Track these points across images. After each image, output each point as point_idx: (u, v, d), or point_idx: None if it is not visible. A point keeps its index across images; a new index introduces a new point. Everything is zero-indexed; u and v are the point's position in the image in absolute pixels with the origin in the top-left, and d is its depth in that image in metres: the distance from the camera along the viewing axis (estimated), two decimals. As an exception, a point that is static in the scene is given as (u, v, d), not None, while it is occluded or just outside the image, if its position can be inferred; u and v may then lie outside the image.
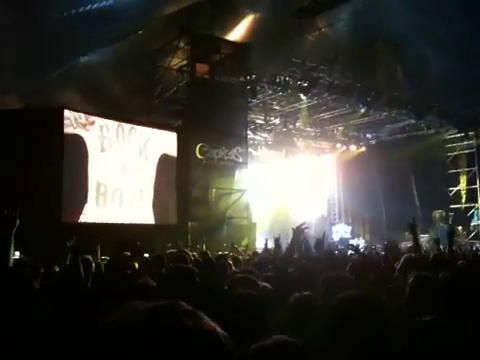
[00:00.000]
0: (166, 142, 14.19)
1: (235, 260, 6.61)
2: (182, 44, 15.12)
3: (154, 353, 0.77)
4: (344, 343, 1.76)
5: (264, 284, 3.35)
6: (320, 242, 5.40)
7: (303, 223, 4.73)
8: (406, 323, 2.03)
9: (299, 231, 4.61)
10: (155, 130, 14.07)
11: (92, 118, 12.26)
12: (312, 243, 5.50)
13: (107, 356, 0.80)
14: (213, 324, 0.84)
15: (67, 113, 11.86)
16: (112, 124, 12.75)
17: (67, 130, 11.70)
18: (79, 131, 11.89)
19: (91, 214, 11.86)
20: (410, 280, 2.99)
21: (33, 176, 10.69)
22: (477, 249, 14.86)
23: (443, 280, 3.25)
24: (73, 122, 11.77)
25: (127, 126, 13.10)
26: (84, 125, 11.97)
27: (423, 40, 15.19)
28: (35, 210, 10.48)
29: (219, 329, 0.84)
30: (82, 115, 12.12)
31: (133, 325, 0.81)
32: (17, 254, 7.77)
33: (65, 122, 11.67)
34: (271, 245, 13.05)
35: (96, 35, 13.35)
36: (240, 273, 3.99)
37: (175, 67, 15.55)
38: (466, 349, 1.94)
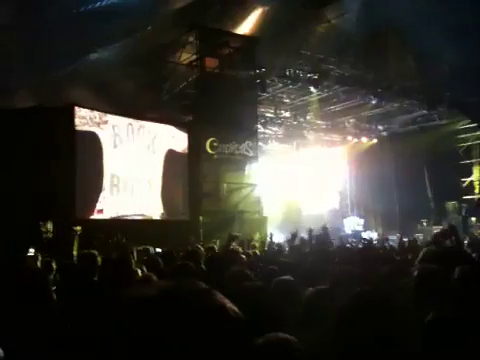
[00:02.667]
0: (173, 138, 14.63)
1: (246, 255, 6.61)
2: (191, 39, 15.09)
3: (169, 323, 0.87)
4: (352, 341, 1.75)
5: (286, 277, 3.31)
6: (321, 237, 5.45)
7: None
8: (416, 320, 2.01)
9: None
10: (163, 127, 14.50)
11: (105, 117, 13.18)
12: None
13: (129, 324, 0.90)
14: (225, 301, 0.94)
15: (83, 112, 12.59)
16: (123, 123, 13.69)
17: (83, 128, 12.61)
18: (94, 129, 12.90)
19: (106, 203, 13.01)
20: (415, 273, 2.96)
21: (46, 174, 10.81)
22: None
23: (457, 273, 3.21)
24: (89, 121, 12.77)
25: (136, 124, 13.97)
26: (98, 124, 13.01)
27: (435, 28, 14.96)
28: (48, 207, 10.65)
29: (230, 305, 0.94)
30: (96, 114, 12.91)
31: (153, 298, 0.91)
32: (32, 251, 7.87)
33: (81, 120, 12.55)
34: (281, 239, 13.03)
35: (105, 32, 13.37)
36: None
37: (184, 62, 15.53)
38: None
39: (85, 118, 12.64)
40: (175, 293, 0.93)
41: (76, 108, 12.39)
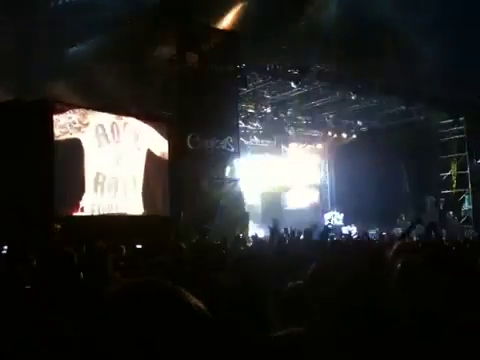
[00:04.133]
0: (157, 135, 14.53)
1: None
2: (171, 33, 14.97)
3: (135, 321, 0.88)
4: (345, 332, 1.76)
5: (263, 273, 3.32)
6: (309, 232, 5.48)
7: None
8: (403, 310, 2.03)
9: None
10: (146, 123, 14.40)
11: (86, 120, 12.85)
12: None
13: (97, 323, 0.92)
14: (191, 298, 0.94)
15: (62, 121, 12.19)
16: (107, 122, 13.55)
17: (64, 137, 12.24)
18: (76, 135, 12.58)
19: (89, 202, 12.81)
20: (398, 265, 2.98)
21: (23, 170, 10.64)
22: (468, 235, 15.02)
23: (435, 265, 3.25)
24: (69, 128, 12.38)
25: (120, 123, 13.84)
26: (79, 128, 12.69)
27: (414, 26, 15.13)
28: (26, 204, 10.50)
29: (196, 302, 0.95)
30: (76, 119, 12.55)
31: (117, 297, 0.94)
32: (5, 247, 7.75)
33: (61, 130, 12.14)
34: (261, 234, 13.09)
35: (84, 25, 13.20)
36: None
37: (165, 57, 15.40)
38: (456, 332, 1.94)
39: (65, 127, 12.27)
40: (139, 291, 0.94)
41: (55, 117, 12.02)
